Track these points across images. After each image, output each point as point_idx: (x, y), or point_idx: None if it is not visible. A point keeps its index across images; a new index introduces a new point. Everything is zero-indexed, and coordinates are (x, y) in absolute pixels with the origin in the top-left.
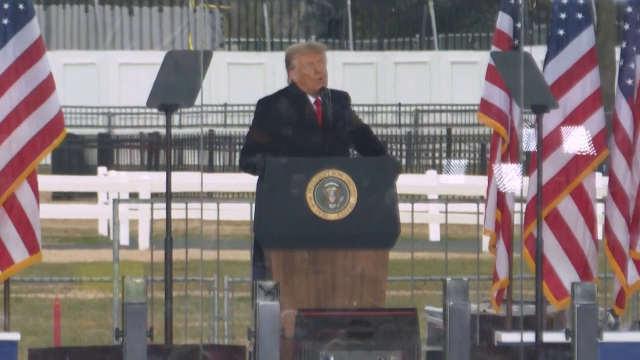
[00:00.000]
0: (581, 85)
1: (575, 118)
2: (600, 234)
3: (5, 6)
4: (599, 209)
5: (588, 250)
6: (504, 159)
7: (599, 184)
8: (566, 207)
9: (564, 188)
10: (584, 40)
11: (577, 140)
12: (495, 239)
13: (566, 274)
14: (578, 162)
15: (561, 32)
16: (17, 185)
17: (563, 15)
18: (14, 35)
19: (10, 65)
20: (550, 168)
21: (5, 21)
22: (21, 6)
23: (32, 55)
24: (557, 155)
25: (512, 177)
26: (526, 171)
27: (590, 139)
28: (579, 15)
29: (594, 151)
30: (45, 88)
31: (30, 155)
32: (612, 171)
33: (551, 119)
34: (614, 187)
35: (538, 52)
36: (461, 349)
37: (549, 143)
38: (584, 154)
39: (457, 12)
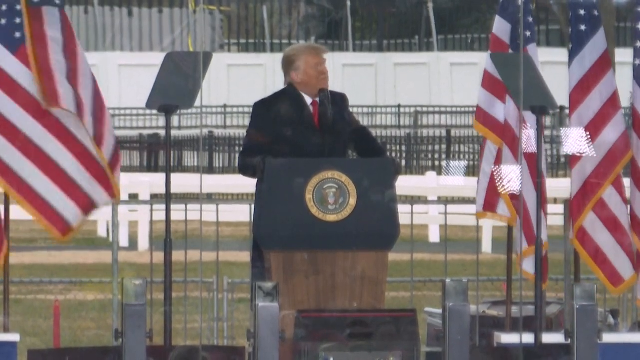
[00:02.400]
0: (607, 79)
1: (606, 111)
2: None
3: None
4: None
5: (631, 242)
6: (498, 161)
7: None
8: (610, 196)
9: (609, 176)
10: (600, 41)
11: (611, 134)
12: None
13: (619, 260)
14: (615, 155)
15: (583, 27)
16: None
17: (582, 12)
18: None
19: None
20: (588, 163)
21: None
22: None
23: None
24: (597, 149)
25: (512, 178)
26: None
27: (622, 132)
28: (595, 13)
29: (628, 144)
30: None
31: None
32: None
33: (585, 114)
34: None
35: (540, 53)
36: (461, 350)
37: (589, 137)
38: (620, 146)
39: (457, 13)
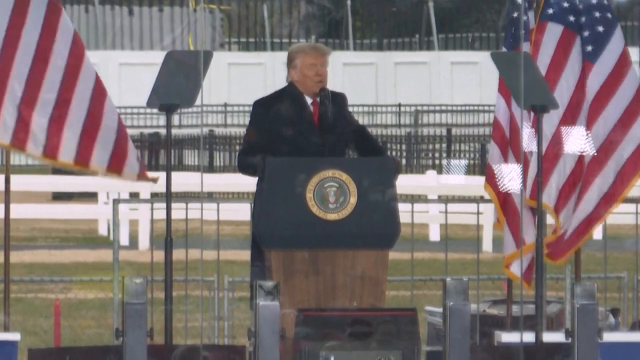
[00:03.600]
0: (628, 81)
1: (629, 116)
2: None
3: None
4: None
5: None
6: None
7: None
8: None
9: (619, 195)
10: (619, 39)
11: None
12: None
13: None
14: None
15: (600, 28)
16: None
17: (597, 14)
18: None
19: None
20: (610, 171)
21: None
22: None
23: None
24: (615, 159)
25: (512, 177)
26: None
27: None
28: (609, 15)
29: None
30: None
31: None
32: None
33: (607, 122)
34: None
35: None
36: (461, 349)
37: (608, 143)
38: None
39: (457, 13)
